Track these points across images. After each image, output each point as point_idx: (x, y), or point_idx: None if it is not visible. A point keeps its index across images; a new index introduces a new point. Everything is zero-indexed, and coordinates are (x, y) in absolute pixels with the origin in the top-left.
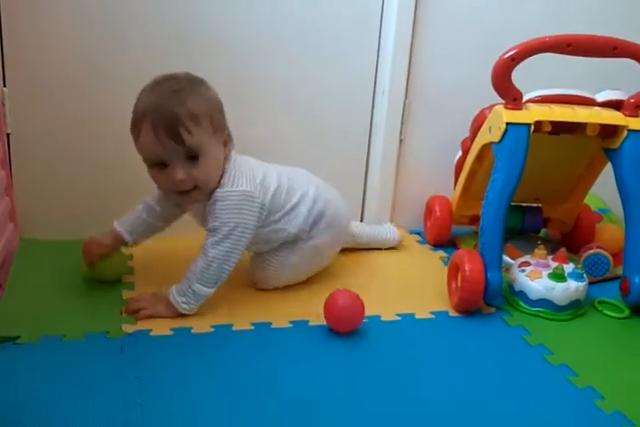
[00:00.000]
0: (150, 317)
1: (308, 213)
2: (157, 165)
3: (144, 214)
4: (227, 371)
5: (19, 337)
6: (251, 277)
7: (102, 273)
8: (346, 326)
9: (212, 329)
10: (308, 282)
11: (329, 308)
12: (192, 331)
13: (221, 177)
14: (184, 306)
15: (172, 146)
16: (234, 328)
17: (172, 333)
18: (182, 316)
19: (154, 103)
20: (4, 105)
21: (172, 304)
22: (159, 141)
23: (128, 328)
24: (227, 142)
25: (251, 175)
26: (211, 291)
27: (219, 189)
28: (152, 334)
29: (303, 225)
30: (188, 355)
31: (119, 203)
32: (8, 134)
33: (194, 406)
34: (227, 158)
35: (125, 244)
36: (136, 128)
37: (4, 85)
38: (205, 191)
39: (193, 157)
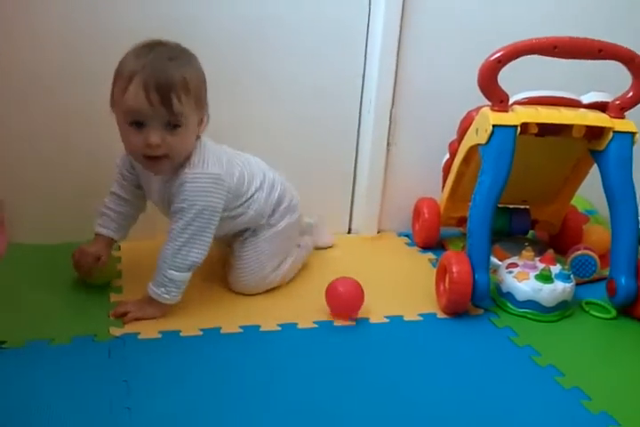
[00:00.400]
0: (138, 319)
1: (268, 196)
2: (134, 124)
3: (117, 207)
4: (215, 374)
5: (5, 342)
6: (236, 287)
7: (94, 278)
8: (349, 309)
9: (200, 332)
10: (296, 285)
11: (331, 295)
12: (180, 334)
13: (190, 156)
14: (165, 296)
15: (159, 109)
16: (222, 331)
17: (160, 336)
18: (170, 314)
19: (150, 65)
20: None
21: (155, 300)
22: (148, 101)
23: (116, 331)
24: (202, 121)
25: (219, 158)
26: (187, 275)
27: (187, 171)
28: (140, 337)
29: (264, 209)
30: (176, 358)
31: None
32: None
33: (182, 410)
34: (198, 137)
35: (114, 243)
36: (122, 84)
37: None
38: (173, 162)
39: (174, 125)
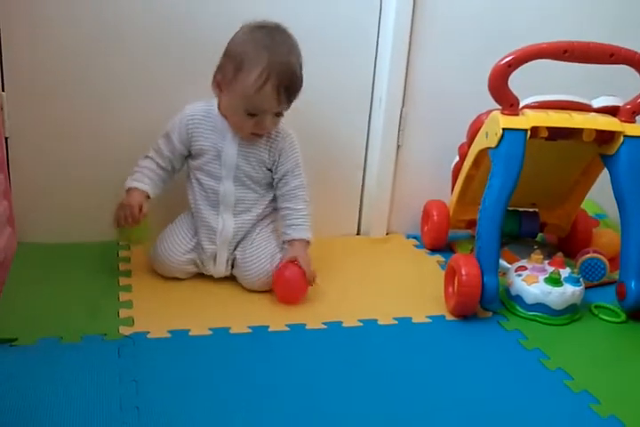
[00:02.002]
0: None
1: None
2: (250, 114)
3: (153, 168)
4: (224, 374)
5: (16, 339)
6: (249, 280)
7: (134, 234)
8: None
9: (209, 332)
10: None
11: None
12: (190, 333)
13: None
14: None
15: (284, 106)
16: (231, 331)
17: (169, 335)
18: (180, 314)
19: (280, 64)
20: (2, 109)
21: (308, 245)
22: (277, 102)
23: (125, 331)
24: None
25: None
26: None
27: (282, 131)
28: (149, 336)
29: None
30: (186, 358)
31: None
32: (6, 138)
33: (190, 409)
34: None
35: (148, 199)
36: (252, 78)
37: (3, 89)
38: (265, 135)
39: (281, 113)
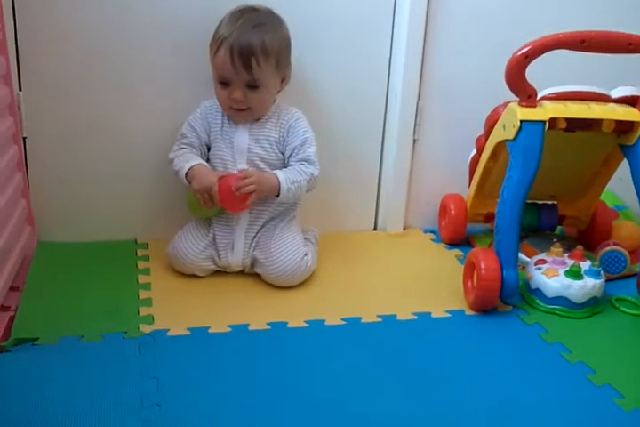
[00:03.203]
0: (252, 192)
1: None
2: (222, 83)
3: (191, 151)
4: (244, 370)
5: (37, 339)
6: (274, 276)
7: (213, 211)
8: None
9: (228, 329)
10: (322, 283)
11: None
12: (209, 331)
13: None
14: (288, 195)
15: (241, 72)
16: (250, 328)
17: (189, 333)
18: (199, 311)
19: (237, 31)
20: (19, 109)
21: (277, 186)
22: (232, 66)
23: (145, 328)
24: (285, 78)
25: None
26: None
27: (288, 111)
28: (169, 334)
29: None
30: (206, 355)
31: (135, 205)
32: (24, 138)
33: (211, 406)
34: (279, 91)
35: None
36: (214, 47)
37: (20, 89)
38: (253, 114)
39: (254, 86)
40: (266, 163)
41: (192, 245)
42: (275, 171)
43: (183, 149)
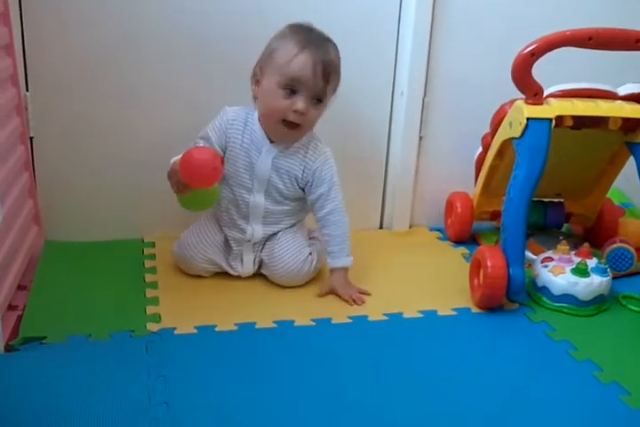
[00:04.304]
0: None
1: None
2: (288, 89)
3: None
4: (251, 368)
5: (45, 337)
6: (278, 275)
7: (204, 200)
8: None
9: (235, 327)
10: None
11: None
12: (216, 329)
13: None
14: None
15: (317, 81)
16: (257, 326)
17: (196, 331)
18: (205, 310)
19: (317, 40)
20: (26, 109)
21: (347, 269)
22: (313, 72)
23: (153, 327)
24: (327, 105)
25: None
26: None
27: (317, 149)
28: (176, 332)
29: None
30: (213, 353)
31: (142, 204)
32: (31, 138)
33: (219, 404)
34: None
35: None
36: (291, 51)
37: (27, 89)
38: (301, 134)
39: (319, 99)
40: (283, 196)
41: (201, 246)
42: (335, 257)
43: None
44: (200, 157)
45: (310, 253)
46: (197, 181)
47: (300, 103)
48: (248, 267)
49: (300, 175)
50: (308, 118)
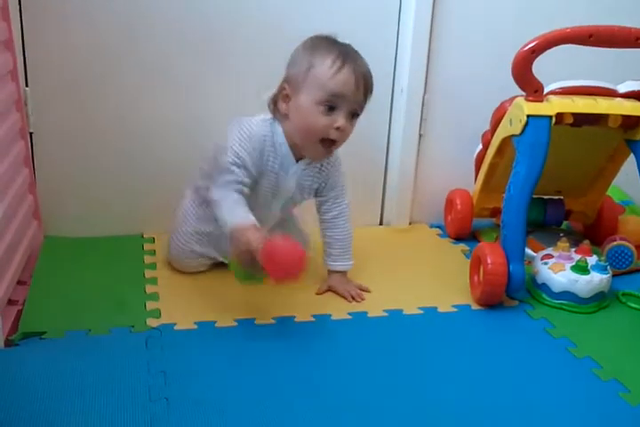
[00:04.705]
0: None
1: None
2: (326, 106)
3: (243, 198)
4: (250, 364)
5: (44, 332)
6: None
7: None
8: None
9: (235, 323)
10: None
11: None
12: (215, 325)
13: None
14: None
15: (359, 97)
16: (256, 322)
17: (195, 327)
18: (205, 306)
19: (354, 56)
20: (26, 104)
21: (347, 272)
22: (356, 88)
23: (153, 322)
24: None
25: None
26: None
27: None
28: (176, 328)
29: None
30: (212, 348)
31: (141, 200)
32: (30, 133)
33: (219, 400)
34: None
35: None
36: (329, 66)
37: (27, 85)
38: (336, 148)
39: (354, 115)
40: (297, 204)
41: (190, 260)
42: (337, 260)
43: (232, 191)
44: (294, 264)
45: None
46: (281, 278)
47: (341, 120)
48: None
49: (318, 187)
50: (345, 134)
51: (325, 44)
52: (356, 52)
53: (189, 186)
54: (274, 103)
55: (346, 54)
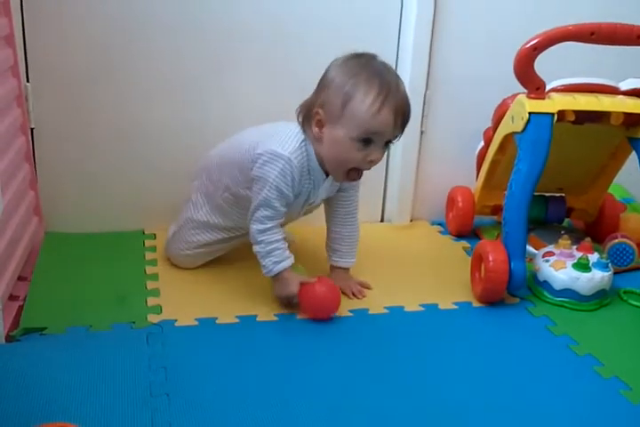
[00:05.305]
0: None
1: None
2: (363, 141)
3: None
4: (251, 361)
5: (45, 328)
6: None
7: None
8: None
9: (236, 320)
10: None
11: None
12: (217, 321)
13: None
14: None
15: (396, 132)
16: (258, 319)
17: (196, 323)
18: (206, 302)
19: (395, 84)
20: (27, 100)
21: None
22: (394, 125)
23: (154, 318)
24: None
25: None
26: None
27: None
28: (177, 324)
29: None
30: (213, 345)
31: (143, 196)
32: (32, 129)
33: (219, 396)
34: None
35: None
36: (368, 103)
37: (28, 80)
38: (360, 177)
39: (388, 144)
40: (316, 206)
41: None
42: (342, 257)
43: (273, 231)
44: (330, 308)
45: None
46: (317, 317)
47: (375, 154)
48: None
49: (338, 189)
50: (376, 163)
51: (366, 74)
52: (396, 78)
53: (198, 189)
54: (304, 120)
55: (388, 90)
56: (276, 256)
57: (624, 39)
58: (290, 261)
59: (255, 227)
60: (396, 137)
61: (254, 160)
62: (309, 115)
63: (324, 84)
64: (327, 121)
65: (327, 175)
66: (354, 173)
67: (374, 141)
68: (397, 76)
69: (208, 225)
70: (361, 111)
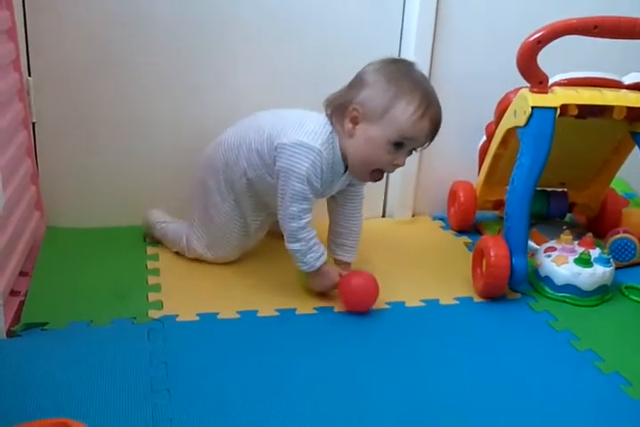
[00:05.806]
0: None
1: None
2: (395, 144)
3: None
4: (252, 356)
5: (46, 323)
6: None
7: None
8: (360, 305)
9: (237, 315)
10: None
11: (344, 289)
12: (218, 317)
13: None
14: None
15: (427, 141)
16: (259, 314)
17: (197, 318)
18: (208, 298)
19: (433, 96)
20: (29, 94)
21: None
22: (429, 133)
23: (155, 314)
24: None
25: None
26: None
27: None
28: (178, 319)
29: None
30: (215, 340)
31: (144, 190)
32: (33, 123)
33: (220, 391)
34: None
35: None
36: (411, 110)
37: (29, 75)
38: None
39: (412, 151)
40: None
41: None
42: (347, 251)
43: (308, 225)
44: (368, 300)
45: None
46: (354, 309)
47: (402, 158)
48: None
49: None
50: (398, 167)
51: (409, 81)
52: (433, 89)
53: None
54: (333, 113)
55: (429, 101)
56: (316, 251)
57: (627, 33)
58: (326, 252)
59: (294, 225)
60: (424, 145)
61: (279, 150)
62: (342, 110)
63: (361, 83)
64: (364, 119)
65: (345, 170)
66: (377, 174)
67: (405, 146)
68: (432, 87)
69: (240, 210)
70: (404, 117)
